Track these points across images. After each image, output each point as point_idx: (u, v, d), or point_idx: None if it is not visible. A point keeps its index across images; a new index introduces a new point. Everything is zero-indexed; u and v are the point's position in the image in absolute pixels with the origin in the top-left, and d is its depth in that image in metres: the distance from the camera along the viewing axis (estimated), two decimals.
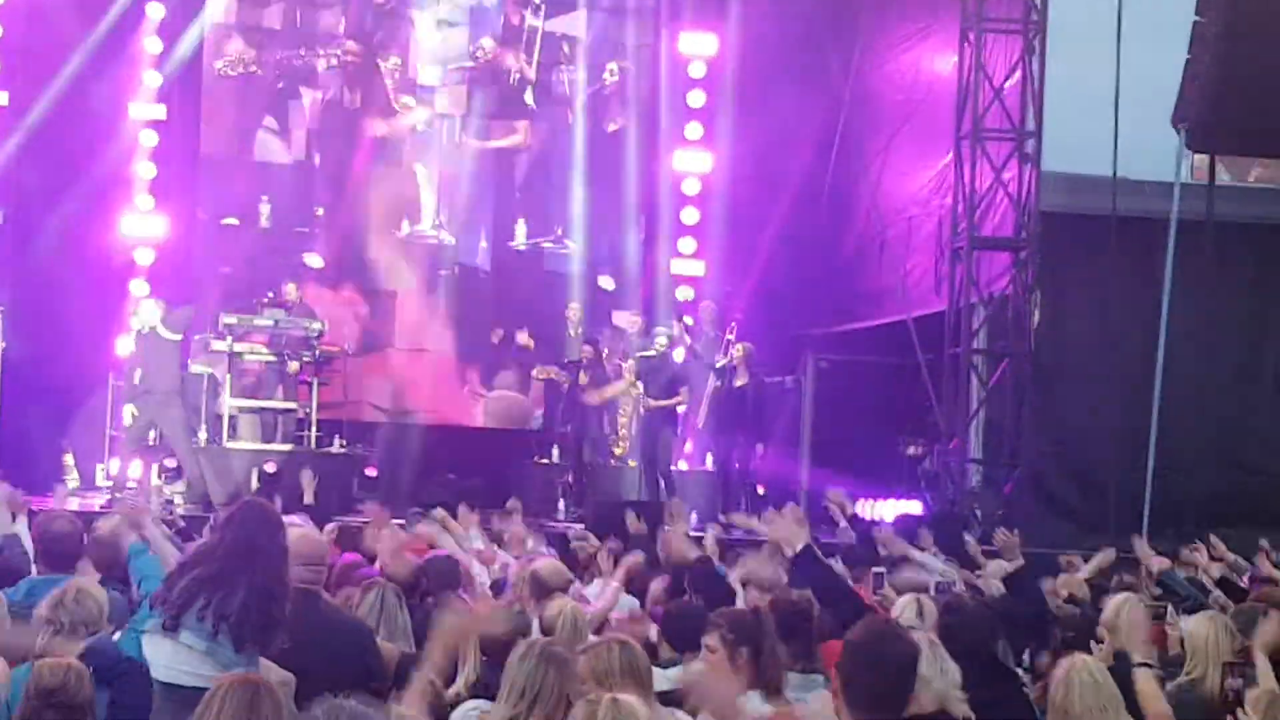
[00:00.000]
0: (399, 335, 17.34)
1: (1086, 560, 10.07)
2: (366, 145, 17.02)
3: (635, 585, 8.08)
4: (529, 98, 17.44)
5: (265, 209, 16.91)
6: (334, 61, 16.83)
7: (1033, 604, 7.67)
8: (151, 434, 15.38)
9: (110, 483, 14.72)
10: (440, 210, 17.14)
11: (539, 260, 17.49)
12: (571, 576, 7.44)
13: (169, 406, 14.14)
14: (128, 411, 14.89)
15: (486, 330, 17.09)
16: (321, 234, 16.96)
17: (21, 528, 8.56)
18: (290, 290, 16.07)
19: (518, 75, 17.28)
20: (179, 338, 14.21)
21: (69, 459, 15.50)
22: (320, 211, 16.97)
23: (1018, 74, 15.59)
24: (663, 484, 14.93)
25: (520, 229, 17.43)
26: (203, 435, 15.05)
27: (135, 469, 14.76)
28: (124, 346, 15.65)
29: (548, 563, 7.35)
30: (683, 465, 16.17)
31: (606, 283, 17.67)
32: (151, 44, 16.31)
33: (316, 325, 15.63)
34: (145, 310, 14.28)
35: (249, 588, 4.94)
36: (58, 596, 5.64)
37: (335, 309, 16.60)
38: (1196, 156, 16.86)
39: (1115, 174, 15.56)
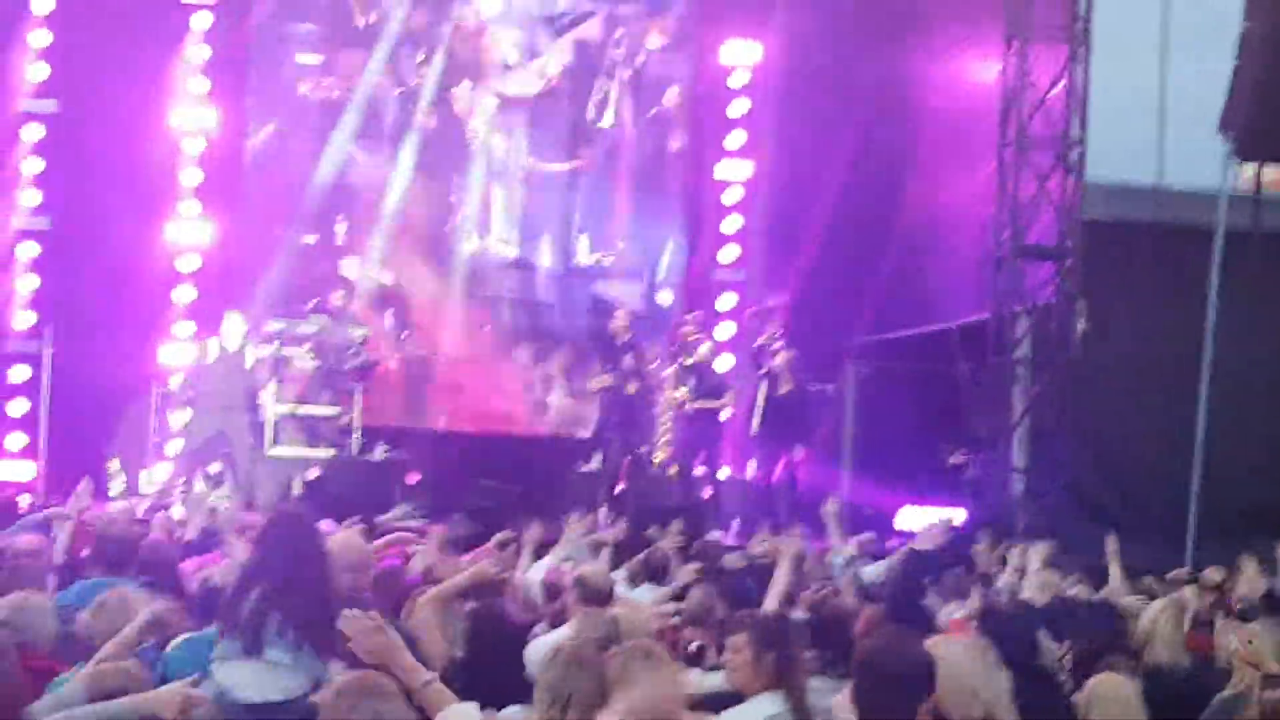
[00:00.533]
0: (447, 342, 17.48)
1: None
2: (439, 166, 17.43)
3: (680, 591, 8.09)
4: (594, 120, 17.82)
5: (341, 228, 17.25)
6: (411, 85, 17.32)
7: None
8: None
9: (154, 488, 14.84)
10: (506, 227, 17.55)
11: (596, 274, 17.82)
12: (615, 582, 7.43)
13: (239, 414, 14.29)
14: (182, 419, 15.06)
15: (539, 342, 17.41)
16: (392, 250, 17.26)
17: (62, 537, 8.61)
18: (337, 297, 16.14)
19: (582, 99, 17.73)
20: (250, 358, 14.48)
21: (114, 465, 15.61)
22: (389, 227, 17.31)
23: (1062, 82, 15.54)
24: (708, 492, 14.91)
25: (583, 245, 17.75)
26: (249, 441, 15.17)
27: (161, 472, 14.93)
28: (168, 354, 15.80)
29: (592, 568, 7.35)
30: (725, 472, 16.16)
31: (665, 298, 17.87)
32: (197, 52, 16.40)
33: (361, 331, 15.72)
34: (232, 324, 14.42)
35: (305, 595, 4.95)
36: (100, 602, 5.70)
37: (393, 319, 17.05)
38: (1244, 165, 16.74)
39: (1160, 183, 15.49)
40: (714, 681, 5.83)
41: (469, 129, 17.55)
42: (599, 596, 6.88)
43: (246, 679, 4.92)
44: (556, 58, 17.67)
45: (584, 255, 17.82)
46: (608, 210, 17.91)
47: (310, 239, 17.13)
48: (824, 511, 10.26)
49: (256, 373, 14.67)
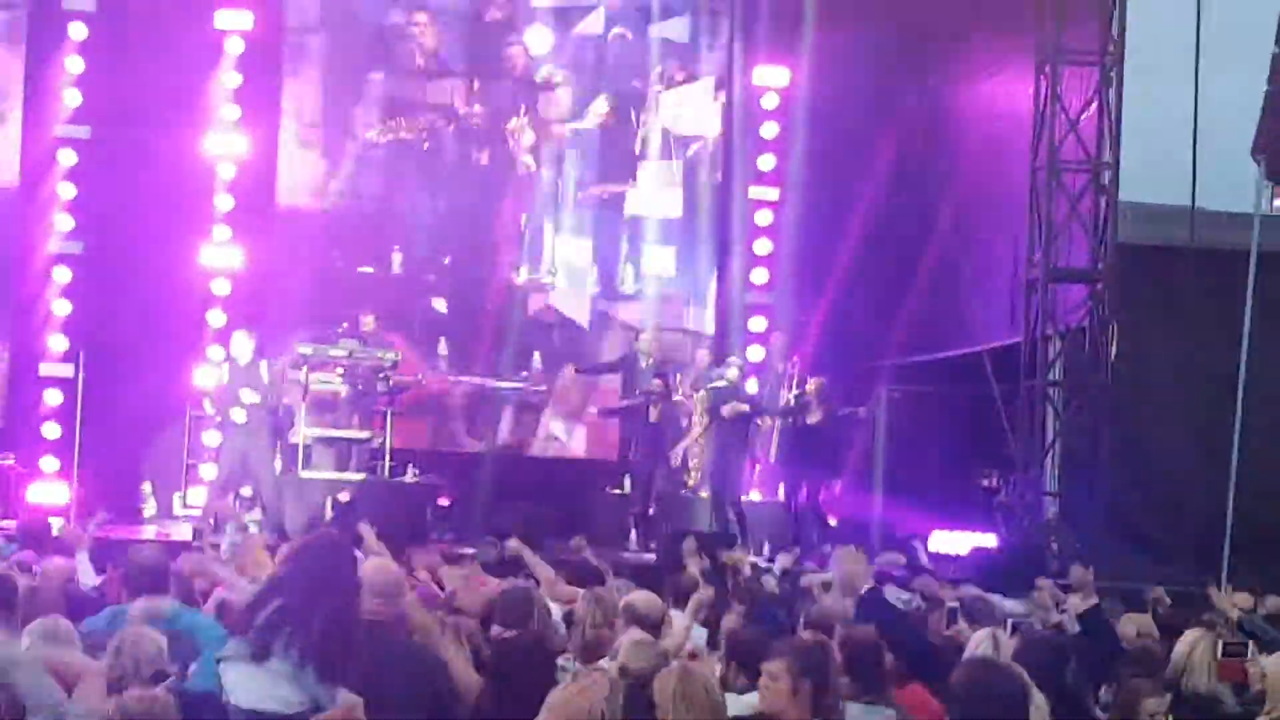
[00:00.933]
0: (479, 365, 17.66)
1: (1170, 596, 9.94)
2: (491, 200, 17.79)
3: (705, 618, 8.05)
4: (640, 153, 18.12)
5: (398, 257, 17.55)
6: (463, 120, 17.73)
7: (1105, 640, 7.59)
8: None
9: (188, 511, 14.90)
10: (554, 258, 17.93)
11: (637, 302, 18.08)
12: (666, 608, 7.34)
13: (259, 435, 14.33)
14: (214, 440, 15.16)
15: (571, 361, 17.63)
16: (447, 280, 17.62)
17: (83, 561, 8.64)
18: (368, 322, 16.20)
19: (629, 133, 18.05)
20: (263, 369, 14.43)
21: (147, 488, 15.66)
22: (447, 260, 17.67)
23: (1094, 104, 15.49)
24: (733, 515, 14.88)
25: (628, 274, 18.05)
26: (278, 464, 15.21)
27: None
28: (202, 377, 15.86)
29: (642, 594, 7.27)
30: (754, 496, 16.12)
31: (698, 319, 17.92)
32: (230, 79, 16.49)
33: (391, 355, 15.74)
34: (240, 341, 14.45)
35: (324, 618, 4.96)
36: (116, 645, 5.71)
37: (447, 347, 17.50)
38: (1277, 187, 16.67)
39: (1194, 205, 15.41)
40: (747, 703, 5.81)
41: (520, 163, 17.89)
42: (648, 623, 6.83)
43: (246, 683, 4.95)
44: (605, 96, 18.03)
45: (629, 284, 18.09)
46: (653, 241, 18.14)
47: (367, 269, 17.43)
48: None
49: (275, 390, 14.67)
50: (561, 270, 17.92)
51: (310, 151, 17.47)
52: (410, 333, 17.27)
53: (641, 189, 18.05)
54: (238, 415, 14.12)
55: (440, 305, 17.61)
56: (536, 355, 17.73)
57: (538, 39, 17.86)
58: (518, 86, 17.91)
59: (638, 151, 18.05)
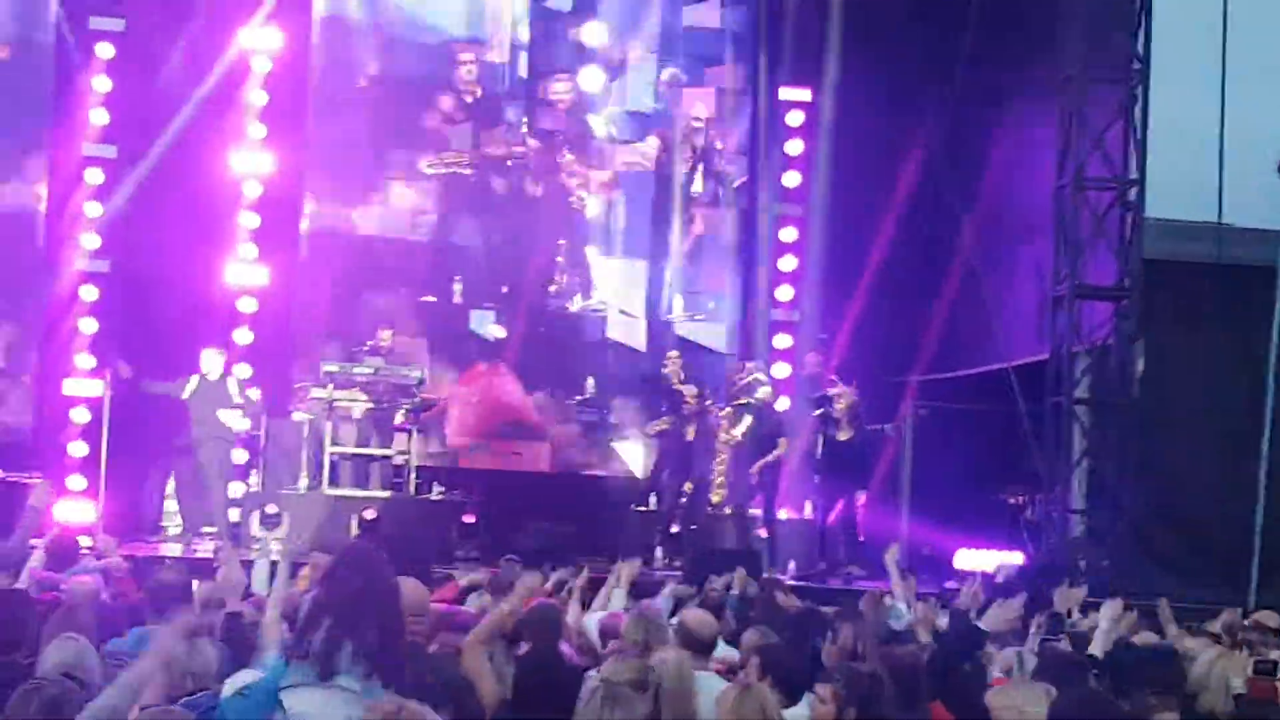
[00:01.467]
0: (537, 390, 18.03)
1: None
2: (545, 230, 18.23)
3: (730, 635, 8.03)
4: (686, 186, 18.58)
5: (458, 286, 17.88)
6: (520, 158, 18.27)
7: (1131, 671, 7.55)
8: (254, 479, 15.69)
9: (213, 530, 14.95)
10: (605, 288, 18.40)
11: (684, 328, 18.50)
12: (718, 629, 7.31)
13: (219, 448, 14.71)
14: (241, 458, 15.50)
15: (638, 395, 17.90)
16: (506, 308, 18.01)
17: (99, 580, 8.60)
18: (385, 336, 16.27)
19: (678, 169, 18.53)
20: (235, 391, 14.89)
21: (172, 506, 15.70)
22: (505, 289, 18.07)
23: (1119, 121, 15.45)
24: (763, 532, 14.86)
25: (677, 304, 18.49)
26: (304, 482, 15.28)
27: None
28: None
29: (696, 614, 7.24)
30: (782, 514, 16.10)
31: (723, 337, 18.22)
32: (256, 97, 16.56)
33: (416, 373, 15.82)
34: (210, 358, 14.81)
35: (378, 629, 4.97)
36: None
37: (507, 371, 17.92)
38: None
39: (1220, 221, 15.35)
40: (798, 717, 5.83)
41: (573, 195, 18.36)
42: (700, 645, 6.81)
43: (317, 706, 4.93)
44: (654, 136, 18.49)
45: (677, 312, 18.50)
46: (700, 271, 18.59)
47: (430, 298, 17.76)
48: (886, 558, 10.16)
49: (232, 402, 14.92)
50: (614, 297, 18.39)
51: (350, 178, 17.84)
52: (469, 358, 17.74)
53: (689, 220, 18.51)
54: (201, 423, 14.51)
55: (499, 332, 17.96)
56: (590, 380, 17.98)
57: (590, 77, 18.38)
58: (570, 122, 18.40)
59: (685, 185, 18.45)
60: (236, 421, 14.95)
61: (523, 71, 18.34)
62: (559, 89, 18.30)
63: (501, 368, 17.73)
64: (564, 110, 18.41)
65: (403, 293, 17.75)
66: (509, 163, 18.16)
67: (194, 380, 14.80)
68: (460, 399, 17.51)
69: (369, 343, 16.37)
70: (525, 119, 18.33)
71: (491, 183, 18.16)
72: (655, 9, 18.45)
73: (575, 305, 18.31)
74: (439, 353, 17.68)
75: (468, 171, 18.07)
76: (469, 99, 18.13)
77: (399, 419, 15.69)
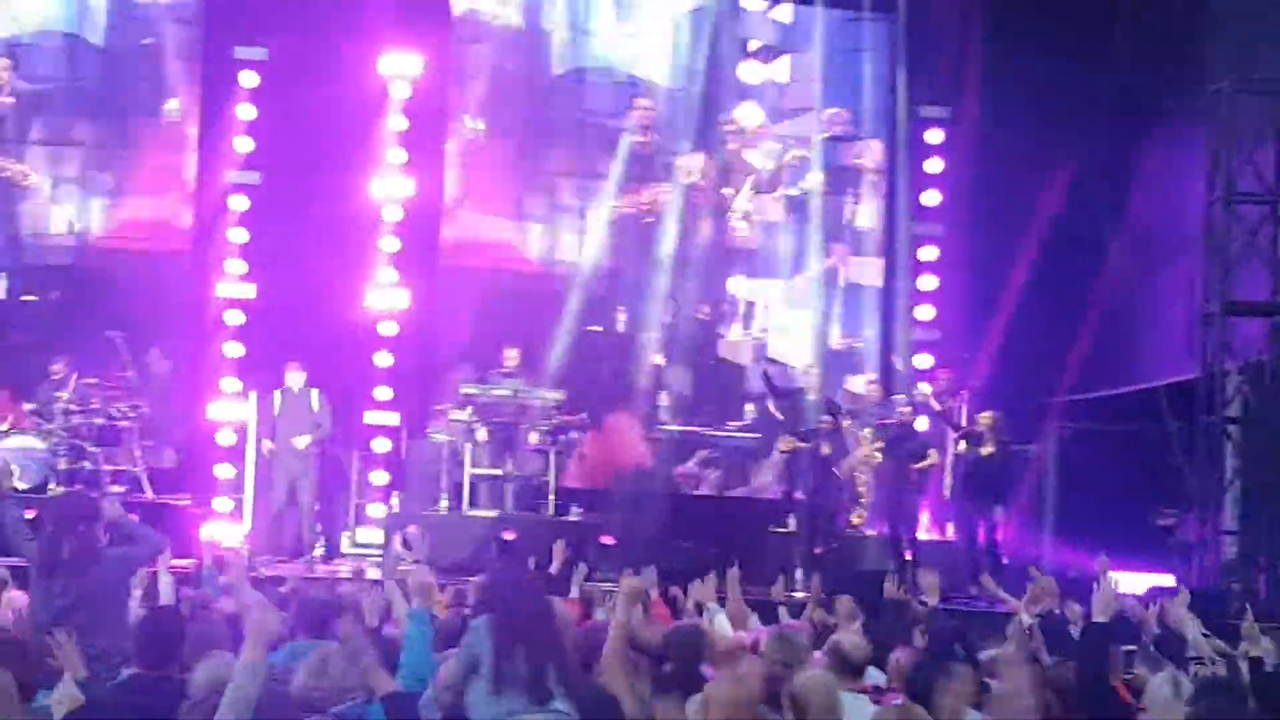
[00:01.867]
0: (698, 416, 18.19)
1: None
2: (708, 264, 18.43)
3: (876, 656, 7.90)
4: (849, 219, 18.75)
5: (622, 316, 18.21)
6: (684, 196, 18.42)
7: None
8: (395, 500, 15.82)
9: (356, 551, 15.08)
10: (767, 319, 18.59)
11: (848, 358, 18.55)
12: (870, 652, 7.22)
13: (309, 462, 14.93)
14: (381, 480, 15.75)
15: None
16: (668, 337, 18.18)
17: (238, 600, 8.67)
18: (511, 357, 16.29)
19: (838, 200, 18.71)
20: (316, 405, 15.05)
21: (315, 527, 15.86)
22: (668, 319, 18.22)
23: (1270, 135, 15.11)
24: (908, 553, 14.68)
25: (835, 333, 18.53)
26: (444, 503, 15.36)
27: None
28: (370, 419, 16.13)
29: (850, 637, 7.16)
30: (923, 535, 15.89)
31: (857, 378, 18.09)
32: (396, 122, 16.74)
33: (554, 395, 15.84)
34: (293, 373, 15.04)
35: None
36: (316, 666, 5.74)
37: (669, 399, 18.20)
38: None
39: None
40: None
41: (736, 230, 18.55)
42: (851, 667, 6.72)
43: None
44: (816, 172, 18.52)
45: (835, 341, 18.52)
46: (858, 300, 18.61)
47: (596, 328, 18.00)
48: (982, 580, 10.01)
49: (313, 416, 15.05)
50: (774, 330, 18.57)
51: (508, 206, 18.22)
52: (631, 386, 17.81)
53: (849, 250, 18.65)
54: (283, 445, 14.75)
55: (660, 360, 18.06)
56: (750, 406, 18.10)
57: (751, 113, 18.51)
58: (733, 160, 18.55)
59: (847, 217, 18.60)
60: (311, 433, 15.04)
61: (689, 107, 18.45)
62: (725, 125, 18.47)
63: (628, 420, 17.58)
64: (727, 145, 18.56)
65: (552, 319, 17.73)
66: (673, 197, 18.29)
67: (277, 395, 14.98)
68: (592, 443, 17.43)
69: (504, 364, 16.37)
70: (689, 154, 18.43)
71: (656, 216, 18.31)
72: (817, 46, 18.51)
73: (735, 335, 18.47)
74: (587, 379, 17.57)
75: (629, 209, 18.32)
76: (640, 137, 18.31)
77: (536, 440, 15.71)
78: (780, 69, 18.68)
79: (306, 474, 14.99)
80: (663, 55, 18.53)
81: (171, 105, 17.22)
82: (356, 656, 5.81)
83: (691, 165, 18.33)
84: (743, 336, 18.54)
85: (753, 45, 18.60)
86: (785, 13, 18.67)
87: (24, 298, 17.02)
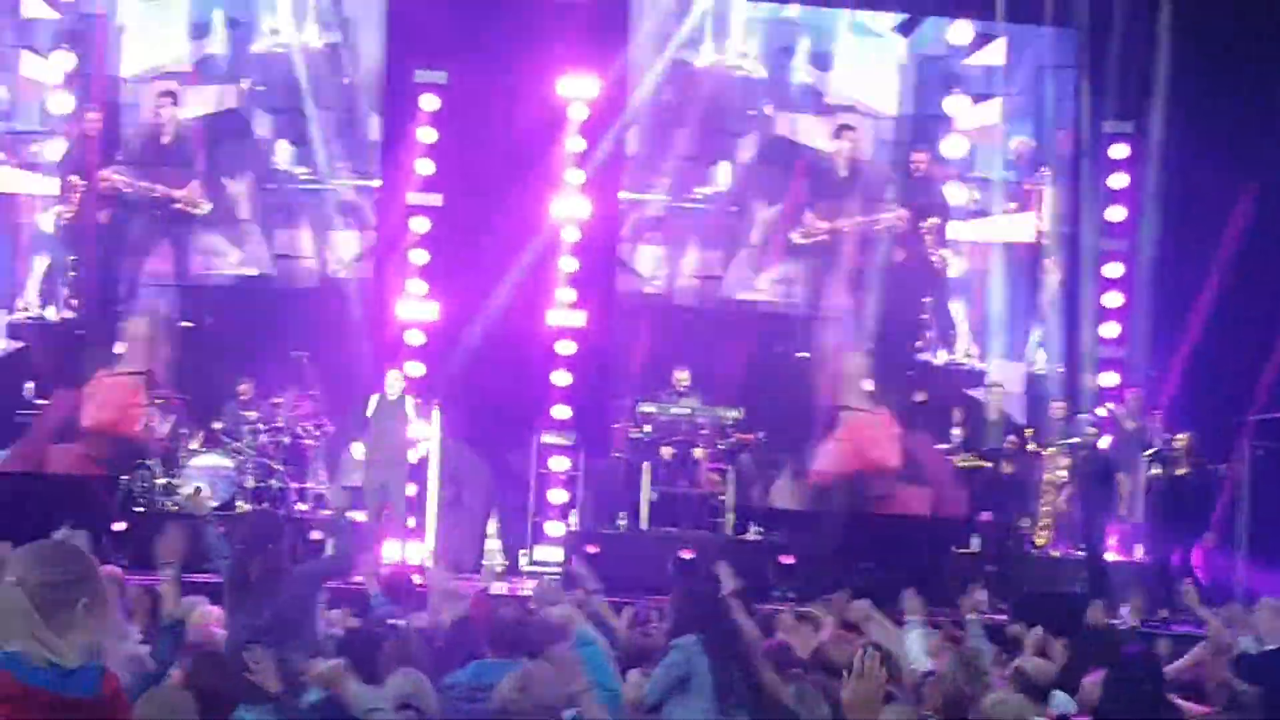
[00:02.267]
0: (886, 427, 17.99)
1: None
2: (908, 291, 18.36)
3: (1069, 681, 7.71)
4: (1038, 242, 18.58)
5: (829, 343, 18.16)
6: (888, 224, 18.53)
7: None
8: (573, 518, 15.86)
9: (534, 569, 15.17)
10: (970, 341, 18.50)
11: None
12: (1054, 676, 7.08)
13: (399, 468, 14.80)
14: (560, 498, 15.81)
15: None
16: (871, 364, 18.16)
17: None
18: (682, 378, 16.26)
19: (1028, 226, 18.62)
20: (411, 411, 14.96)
21: (495, 544, 16.01)
22: (870, 346, 18.21)
23: None
24: (1098, 574, 14.37)
25: (1040, 355, 18.35)
26: (622, 522, 15.39)
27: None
28: (548, 439, 16.20)
29: (1036, 660, 7.04)
30: (1112, 555, 15.53)
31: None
32: (574, 144, 16.85)
33: (732, 414, 15.79)
34: (392, 379, 14.97)
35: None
36: (519, 682, 5.75)
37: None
38: None
39: None
40: None
41: (935, 258, 18.41)
42: (1036, 691, 6.59)
43: None
44: (1008, 203, 18.55)
45: (1039, 361, 18.33)
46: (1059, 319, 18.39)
47: (804, 354, 17.97)
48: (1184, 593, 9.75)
49: (409, 422, 14.98)
50: (976, 352, 18.45)
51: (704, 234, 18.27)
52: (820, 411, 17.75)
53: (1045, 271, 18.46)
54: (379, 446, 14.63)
55: (868, 385, 17.99)
56: (957, 430, 17.71)
57: (952, 145, 18.43)
58: (931, 189, 18.48)
59: (1036, 242, 18.43)
60: (411, 434, 15.06)
61: (889, 139, 18.53)
62: (919, 159, 18.40)
63: (885, 414, 17.59)
64: (925, 178, 18.49)
65: (730, 342, 17.73)
66: (875, 229, 18.33)
67: (374, 399, 15.00)
68: (840, 435, 17.45)
69: (670, 389, 16.35)
70: (891, 187, 18.49)
71: (857, 247, 18.34)
72: (1017, 80, 18.44)
73: (941, 359, 18.32)
74: (769, 401, 17.42)
75: (826, 239, 18.29)
76: (843, 172, 18.35)
77: (714, 459, 15.68)
78: (989, 109, 18.56)
79: (399, 482, 14.85)
80: (868, 86, 18.50)
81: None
82: (568, 678, 5.80)
83: (894, 210, 18.36)
84: (948, 361, 18.36)
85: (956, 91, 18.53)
86: (997, 53, 18.47)
87: (206, 320, 17.30)
